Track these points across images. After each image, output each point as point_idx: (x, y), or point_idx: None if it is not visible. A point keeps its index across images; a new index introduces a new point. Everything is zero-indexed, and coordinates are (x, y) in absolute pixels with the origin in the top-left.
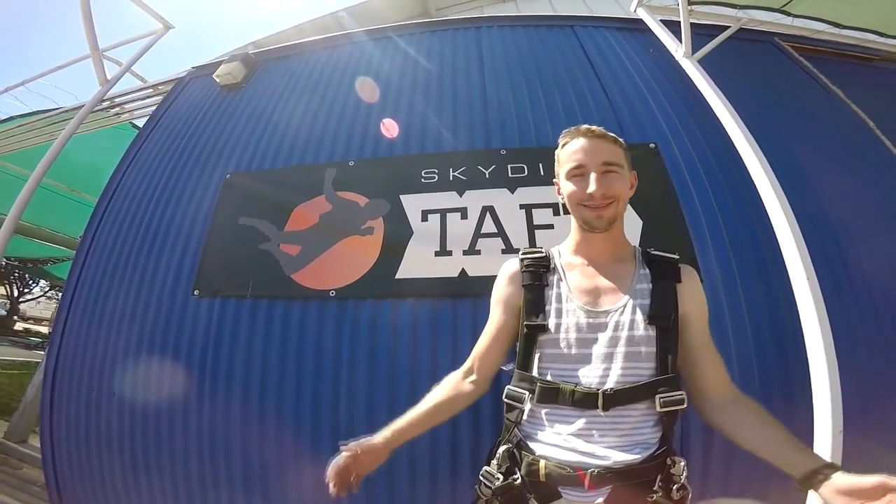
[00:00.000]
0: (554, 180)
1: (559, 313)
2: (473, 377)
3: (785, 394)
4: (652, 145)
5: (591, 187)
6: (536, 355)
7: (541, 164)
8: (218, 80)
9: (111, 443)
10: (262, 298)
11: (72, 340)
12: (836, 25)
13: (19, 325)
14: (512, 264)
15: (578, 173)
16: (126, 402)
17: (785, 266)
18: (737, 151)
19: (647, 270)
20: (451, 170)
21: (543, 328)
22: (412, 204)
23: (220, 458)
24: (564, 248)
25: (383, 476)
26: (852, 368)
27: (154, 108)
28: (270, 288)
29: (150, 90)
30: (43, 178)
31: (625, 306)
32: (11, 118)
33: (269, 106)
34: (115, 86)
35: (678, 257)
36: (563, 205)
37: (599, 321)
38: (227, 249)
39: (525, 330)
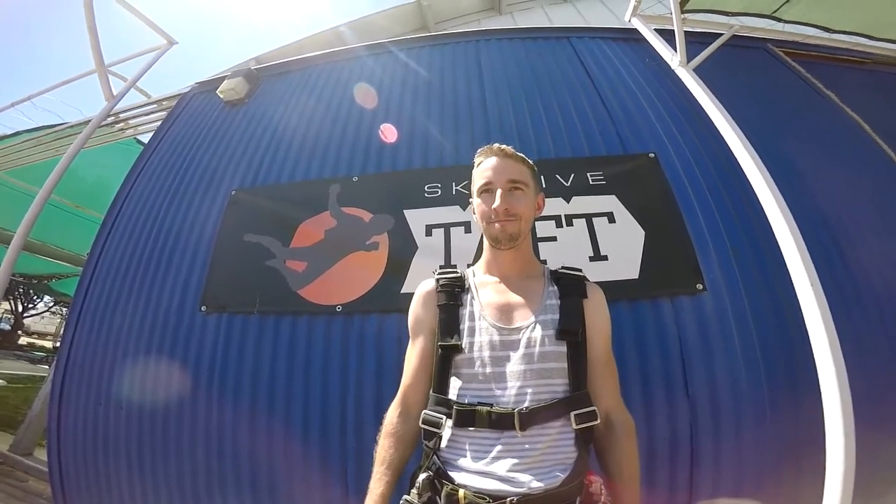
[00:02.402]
0: (469, 200)
1: (472, 332)
2: (410, 415)
3: (794, 400)
4: (651, 154)
5: (496, 203)
6: (452, 377)
7: (542, 177)
8: (221, 96)
9: (118, 456)
10: (268, 314)
11: (79, 354)
12: (827, 30)
13: (23, 340)
14: (427, 284)
15: (486, 190)
16: (133, 415)
17: (788, 271)
18: (735, 158)
19: (556, 287)
20: (453, 184)
21: (458, 348)
22: (416, 218)
23: (228, 472)
24: (478, 267)
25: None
26: (860, 369)
27: (158, 123)
28: (277, 303)
29: (155, 105)
30: (51, 194)
31: (536, 322)
32: (17, 133)
33: (272, 121)
34: (119, 101)
35: (583, 273)
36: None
37: (512, 338)
38: (234, 266)
39: (440, 351)
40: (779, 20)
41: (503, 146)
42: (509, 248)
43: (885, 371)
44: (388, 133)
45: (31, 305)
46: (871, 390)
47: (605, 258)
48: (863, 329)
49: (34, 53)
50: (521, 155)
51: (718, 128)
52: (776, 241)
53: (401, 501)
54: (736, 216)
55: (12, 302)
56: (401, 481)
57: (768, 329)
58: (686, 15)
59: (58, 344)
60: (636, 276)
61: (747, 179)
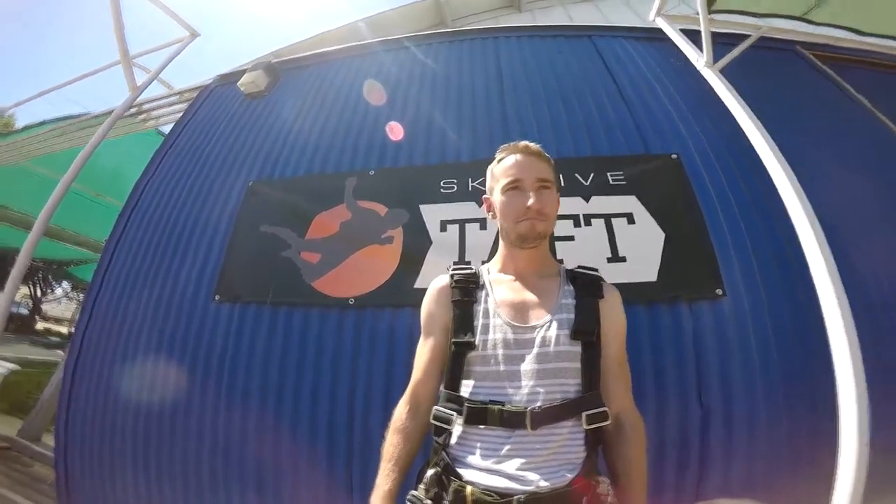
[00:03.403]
0: (483, 196)
1: (486, 329)
2: (420, 411)
3: (811, 413)
4: (674, 156)
5: (531, 201)
6: (465, 374)
7: (561, 176)
8: (242, 89)
9: (125, 445)
10: (281, 305)
11: (93, 342)
12: (860, 33)
13: (40, 325)
14: (441, 280)
15: (514, 187)
16: (143, 404)
17: (811, 277)
18: (761, 162)
19: (571, 286)
20: (469, 180)
21: (471, 345)
22: (431, 214)
23: (234, 463)
24: (493, 265)
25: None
26: (880, 380)
27: (180, 115)
28: (290, 295)
29: (177, 97)
30: (73, 182)
31: (550, 321)
32: (43, 122)
33: (291, 115)
34: (142, 92)
35: (599, 273)
36: (498, 221)
37: (526, 336)
38: (249, 256)
39: (453, 348)
40: (810, 22)
41: (529, 143)
42: (533, 247)
43: None
44: (395, 131)
45: (49, 290)
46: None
47: (623, 259)
48: (887, 346)
49: (61, 44)
50: (546, 153)
51: (744, 130)
52: (801, 249)
53: (407, 497)
54: (760, 221)
55: (31, 287)
56: (407, 477)
57: (788, 339)
58: (713, 15)
59: (73, 329)
60: (654, 279)
61: (773, 184)
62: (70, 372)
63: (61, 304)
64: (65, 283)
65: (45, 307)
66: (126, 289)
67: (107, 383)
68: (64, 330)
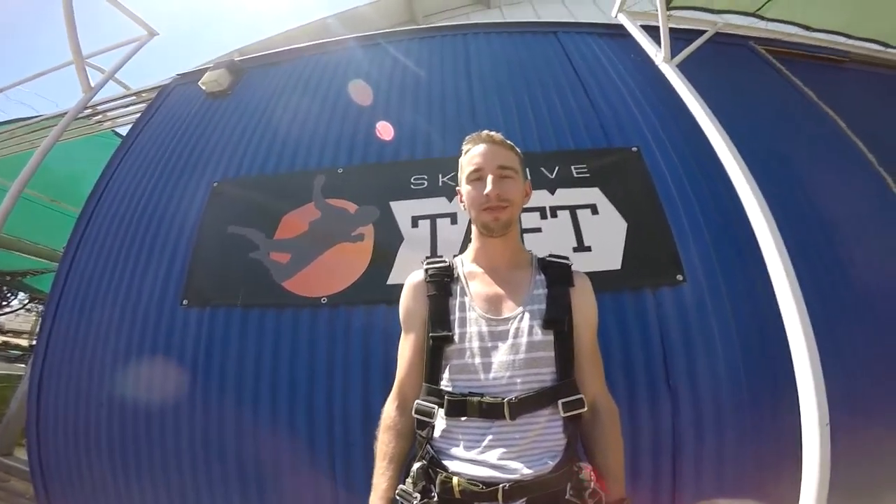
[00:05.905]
0: (457, 188)
1: (462, 322)
2: (408, 407)
3: (771, 389)
4: (634, 148)
5: (488, 188)
6: (444, 367)
7: (528, 170)
8: (203, 88)
9: (101, 453)
10: (252, 307)
11: (57, 352)
12: (807, 28)
13: None
14: (416, 276)
15: (477, 177)
16: (115, 413)
17: (764, 260)
18: (716, 152)
19: (543, 276)
20: (440, 175)
21: (449, 339)
22: (402, 210)
23: (215, 467)
24: (466, 257)
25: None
26: (835, 362)
27: (138, 115)
28: (261, 296)
29: (134, 98)
30: (25, 188)
31: (523, 313)
32: None
33: (256, 113)
34: (97, 93)
35: (570, 262)
36: (470, 211)
37: (501, 329)
38: (216, 258)
39: (431, 342)
40: (761, 18)
41: (491, 133)
42: (500, 236)
43: (862, 370)
44: (385, 131)
45: (4, 303)
46: (849, 387)
47: (588, 249)
48: (837, 323)
49: (8, 44)
50: (510, 142)
51: (700, 123)
52: (754, 234)
53: (396, 491)
54: (716, 209)
55: None
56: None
57: (745, 319)
58: (671, 12)
59: (34, 342)
60: (619, 267)
61: (726, 173)
62: (36, 384)
63: (18, 317)
64: (21, 295)
65: (1, 320)
66: (89, 297)
67: (75, 394)
68: (24, 343)
